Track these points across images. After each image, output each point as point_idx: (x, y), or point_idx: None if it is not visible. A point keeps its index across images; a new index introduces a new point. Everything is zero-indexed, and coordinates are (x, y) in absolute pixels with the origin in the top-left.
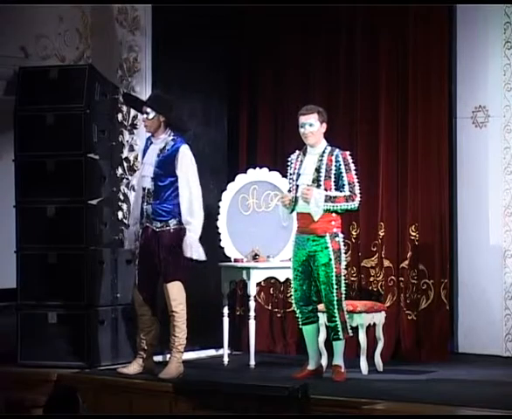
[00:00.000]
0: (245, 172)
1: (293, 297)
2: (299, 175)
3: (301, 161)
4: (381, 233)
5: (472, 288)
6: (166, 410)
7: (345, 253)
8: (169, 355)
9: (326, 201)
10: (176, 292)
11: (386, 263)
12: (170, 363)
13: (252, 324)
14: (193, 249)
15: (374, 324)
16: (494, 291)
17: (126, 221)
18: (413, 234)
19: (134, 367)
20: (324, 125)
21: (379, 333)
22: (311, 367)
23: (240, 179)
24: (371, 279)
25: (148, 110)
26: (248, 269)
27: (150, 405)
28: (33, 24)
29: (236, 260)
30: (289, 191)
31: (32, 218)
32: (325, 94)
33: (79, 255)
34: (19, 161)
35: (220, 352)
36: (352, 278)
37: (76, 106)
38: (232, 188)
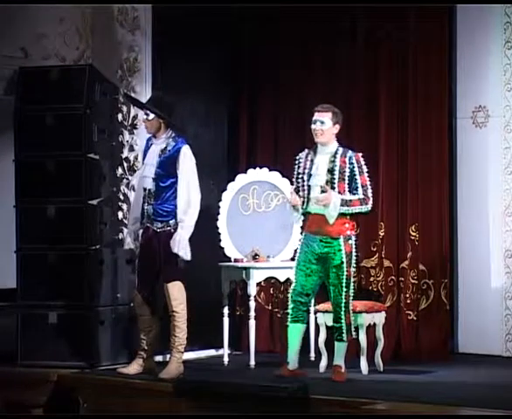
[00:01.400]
0: (246, 172)
1: (290, 290)
2: (310, 175)
3: (312, 160)
4: (381, 233)
5: (472, 288)
6: (166, 410)
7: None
8: (169, 355)
9: (342, 205)
10: (177, 292)
11: (386, 263)
12: (170, 363)
13: (252, 324)
14: (180, 246)
15: (374, 324)
16: (495, 291)
17: (126, 221)
18: (413, 234)
19: (134, 367)
20: (337, 126)
21: (379, 333)
22: (292, 367)
23: (240, 179)
24: (371, 279)
25: (148, 111)
26: (248, 269)
27: (150, 405)
28: (33, 24)
29: (236, 260)
30: (297, 191)
31: (32, 218)
32: (325, 94)
33: (80, 255)
34: (19, 161)
35: (220, 352)
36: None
37: (76, 106)
38: (232, 188)
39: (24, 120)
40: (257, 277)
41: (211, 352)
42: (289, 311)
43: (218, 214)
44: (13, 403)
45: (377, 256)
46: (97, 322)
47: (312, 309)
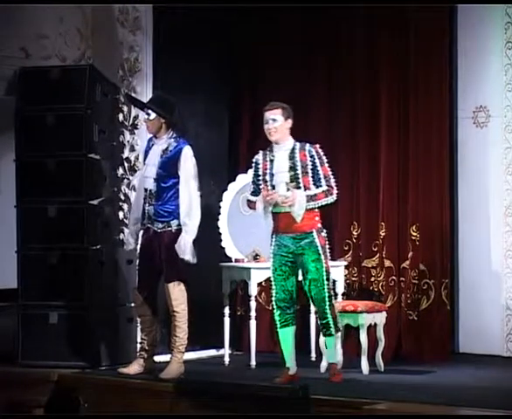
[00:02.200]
0: (246, 172)
1: (273, 298)
2: (272, 174)
3: (271, 160)
4: (382, 233)
5: (473, 288)
6: (167, 410)
7: (346, 253)
8: (170, 355)
9: (308, 201)
10: (178, 292)
11: (387, 263)
12: (171, 363)
13: (252, 324)
14: (186, 250)
15: (375, 324)
16: (495, 292)
17: (127, 221)
18: (414, 234)
19: (134, 368)
20: (289, 121)
21: (380, 333)
22: (292, 372)
23: (241, 179)
24: (372, 279)
25: (149, 111)
26: (249, 269)
27: (151, 405)
28: (34, 24)
29: (237, 260)
30: (254, 193)
31: (33, 218)
32: (326, 95)
33: (80, 255)
34: (20, 162)
35: (221, 352)
36: (353, 278)
37: (77, 107)
38: (233, 188)
39: (24, 121)
40: (258, 277)
41: (212, 352)
42: (276, 317)
43: (219, 214)
44: (14, 403)
45: (377, 256)
46: (97, 322)
47: (312, 309)
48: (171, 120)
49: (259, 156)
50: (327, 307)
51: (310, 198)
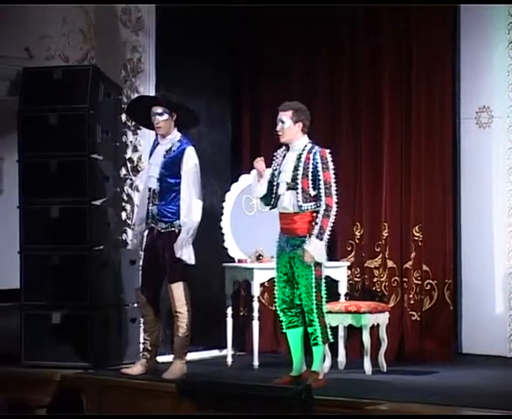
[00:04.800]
0: (249, 172)
1: (276, 300)
2: (279, 172)
3: (284, 156)
4: (385, 234)
5: (475, 289)
6: (169, 410)
7: (349, 254)
8: (172, 356)
9: (320, 237)
10: (181, 293)
11: (390, 263)
12: (174, 364)
13: (255, 324)
14: (183, 250)
15: (378, 324)
16: (498, 292)
17: (129, 221)
18: (417, 234)
19: (137, 368)
20: (300, 124)
21: (383, 333)
22: (294, 373)
23: (244, 179)
24: (375, 280)
25: (160, 110)
26: (252, 269)
27: (153, 405)
28: (37, 25)
29: (240, 261)
30: (271, 186)
31: (36, 219)
32: (327, 96)
33: (83, 255)
34: (23, 162)
35: (224, 352)
36: (356, 279)
37: (80, 107)
38: (236, 188)
39: (27, 121)
40: (260, 277)
41: (215, 352)
42: (281, 318)
43: (222, 214)
44: (16, 403)
45: (380, 256)
46: (100, 322)
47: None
48: (184, 108)
49: (280, 151)
50: (314, 316)
51: (320, 234)
